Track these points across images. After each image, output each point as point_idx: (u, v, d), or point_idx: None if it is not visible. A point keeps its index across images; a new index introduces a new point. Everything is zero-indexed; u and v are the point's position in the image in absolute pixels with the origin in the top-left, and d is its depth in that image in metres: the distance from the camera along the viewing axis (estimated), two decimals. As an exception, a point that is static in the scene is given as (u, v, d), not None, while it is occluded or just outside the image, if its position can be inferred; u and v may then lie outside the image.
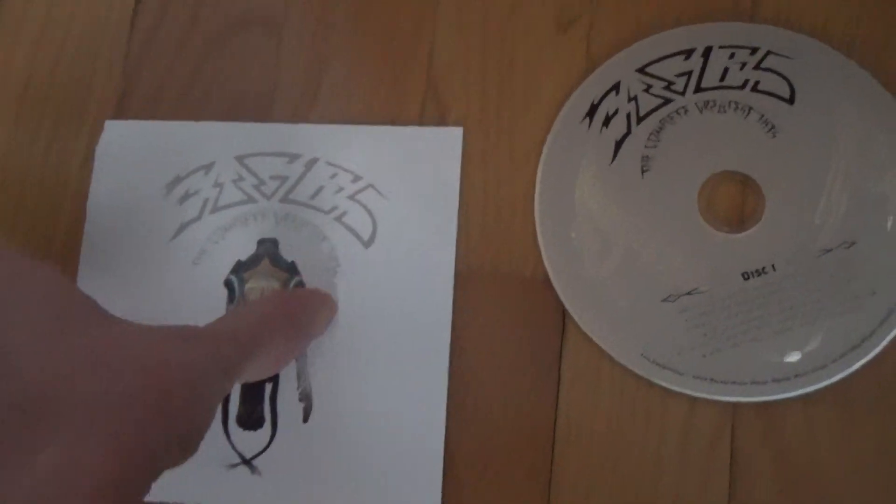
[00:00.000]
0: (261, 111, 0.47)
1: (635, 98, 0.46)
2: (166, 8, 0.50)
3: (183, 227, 0.45)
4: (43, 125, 0.49)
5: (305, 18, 0.49)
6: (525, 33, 0.48)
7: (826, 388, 0.42)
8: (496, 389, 0.44)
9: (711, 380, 0.43)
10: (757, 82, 0.46)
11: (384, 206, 0.45)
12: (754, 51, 0.46)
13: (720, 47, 0.46)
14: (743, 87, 0.46)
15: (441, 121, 0.47)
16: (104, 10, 0.50)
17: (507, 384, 0.44)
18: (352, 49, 0.48)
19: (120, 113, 0.49)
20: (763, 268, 0.44)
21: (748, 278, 0.44)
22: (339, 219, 0.44)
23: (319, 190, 0.45)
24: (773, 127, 0.45)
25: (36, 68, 0.49)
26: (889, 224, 0.43)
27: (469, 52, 0.48)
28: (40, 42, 0.50)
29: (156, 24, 0.49)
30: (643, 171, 0.45)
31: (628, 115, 0.46)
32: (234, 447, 0.43)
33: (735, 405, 0.43)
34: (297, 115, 0.47)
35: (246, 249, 0.45)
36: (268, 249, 0.44)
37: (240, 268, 0.44)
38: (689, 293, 0.44)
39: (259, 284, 0.44)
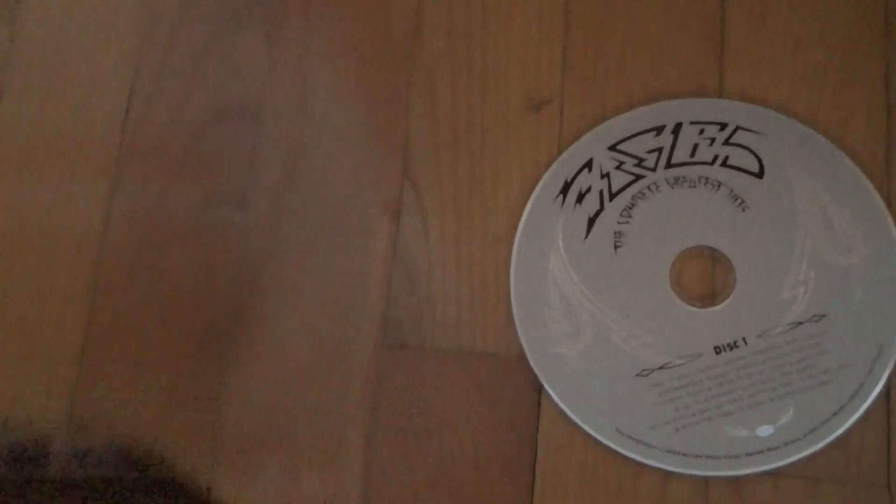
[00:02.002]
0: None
1: (608, 175, 0.47)
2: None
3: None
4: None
5: (285, 108, 0.50)
6: (496, 116, 0.49)
7: (798, 462, 0.43)
8: (471, 466, 0.45)
9: (684, 454, 0.43)
10: (727, 157, 0.47)
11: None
12: (723, 126, 0.47)
13: (690, 123, 0.47)
14: (713, 162, 0.47)
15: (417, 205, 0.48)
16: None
17: (483, 460, 0.45)
18: (330, 140, 0.50)
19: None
20: (735, 342, 0.44)
21: (720, 352, 0.44)
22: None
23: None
24: (742, 202, 0.46)
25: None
26: (857, 296, 0.44)
27: (441, 136, 0.49)
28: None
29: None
30: (616, 247, 0.46)
31: (601, 192, 0.47)
32: None
33: (707, 480, 0.44)
34: (277, 202, 0.49)
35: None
36: None
37: None
38: (661, 367, 0.45)
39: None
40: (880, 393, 0.43)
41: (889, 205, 0.45)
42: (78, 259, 0.49)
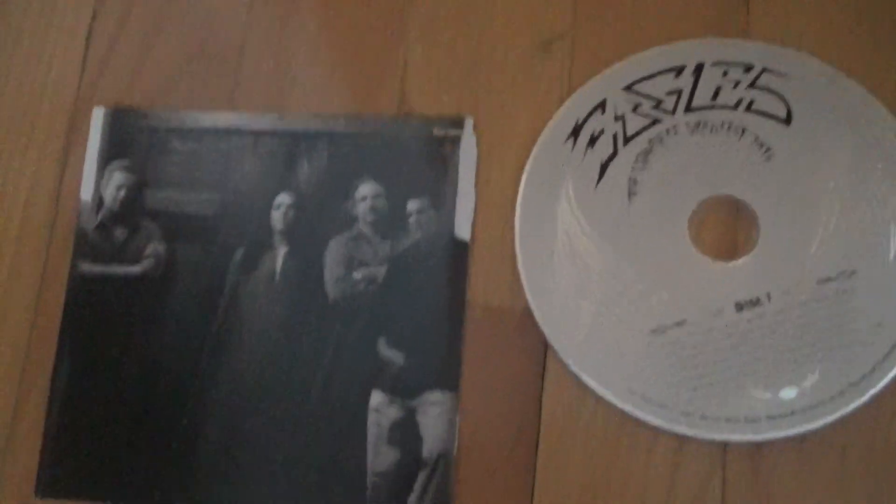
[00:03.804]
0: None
1: (622, 117, 0.44)
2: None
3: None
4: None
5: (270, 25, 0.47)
6: (503, 53, 0.45)
7: (824, 427, 0.39)
8: (474, 427, 0.42)
9: (702, 416, 0.40)
10: (752, 101, 0.43)
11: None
12: (749, 68, 0.44)
13: (712, 64, 0.44)
14: (736, 106, 0.43)
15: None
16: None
17: (484, 423, 0.42)
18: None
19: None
20: (757, 298, 0.41)
21: (741, 309, 0.41)
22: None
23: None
24: (768, 149, 0.43)
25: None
26: (892, 251, 0.41)
27: (442, 76, 0.45)
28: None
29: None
30: (630, 195, 0.43)
31: (615, 136, 0.44)
32: None
33: (726, 445, 0.40)
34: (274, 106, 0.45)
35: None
36: None
37: None
38: (678, 324, 0.41)
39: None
40: (914, 355, 0.40)
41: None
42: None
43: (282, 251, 0.44)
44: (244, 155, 0.46)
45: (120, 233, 0.45)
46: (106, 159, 0.46)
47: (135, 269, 0.45)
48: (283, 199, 0.45)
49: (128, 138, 0.47)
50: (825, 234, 0.41)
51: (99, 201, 0.46)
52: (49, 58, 0.48)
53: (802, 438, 0.40)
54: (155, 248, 0.45)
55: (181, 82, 0.47)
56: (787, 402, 0.40)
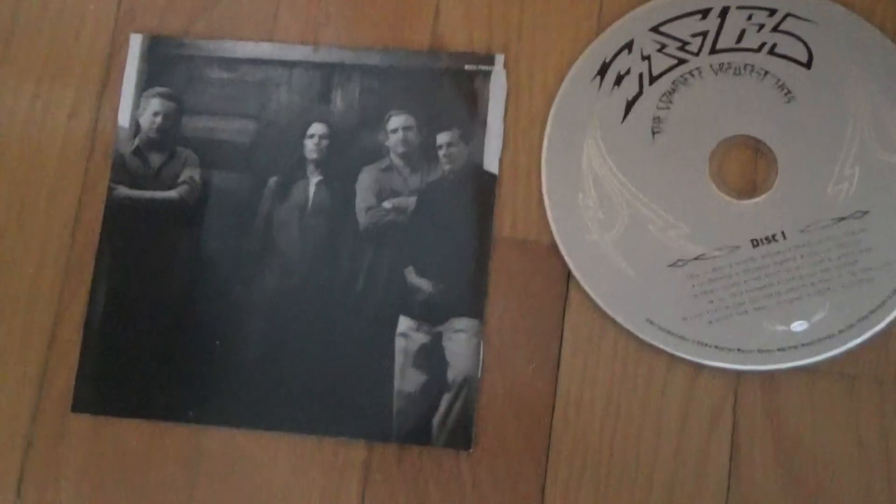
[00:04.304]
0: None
1: (648, 58, 0.45)
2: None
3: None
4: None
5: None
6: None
7: (832, 359, 0.42)
8: (497, 353, 0.43)
9: (716, 347, 0.42)
10: (774, 45, 0.44)
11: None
12: (773, 12, 0.45)
13: (738, 7, 0.45)
14: (759, 49, 0.44)
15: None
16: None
17: (509, 348, 0.43)
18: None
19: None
20: (773, 235, 0.43)
21: (757, 245, 0.43)
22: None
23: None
24: (788, 92, 0.44)
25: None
26: (904, 194, 0.42)
27: (473, 8, 0.46)
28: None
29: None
30: (654, 133, 0.44)
31: (641, 75, 0.45)
32: None
33: (739, 375, 0.42)
34: (309, 38, 0.46)
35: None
36: None
37: None
38: (696, 259, 0.43)
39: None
40: (920, 293, 0.42)
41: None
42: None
43: (314, 180, 0.46)
44: (279, 85, 0.47)
45: (156, 159, 0.47)
46: (143, 86, 0.47)
47: (170, 194, 0.46)
48: (317, 129, 0.46)
49: (165, 66, 0.47)
50: (840, 175, 0.43)
51: (136, 127, 0.47)
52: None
53: (812, 369, 0.42)
54: (190, 174, 0.46)
55: (218, 11, 0.48)
56: (798, 335, 0.42)
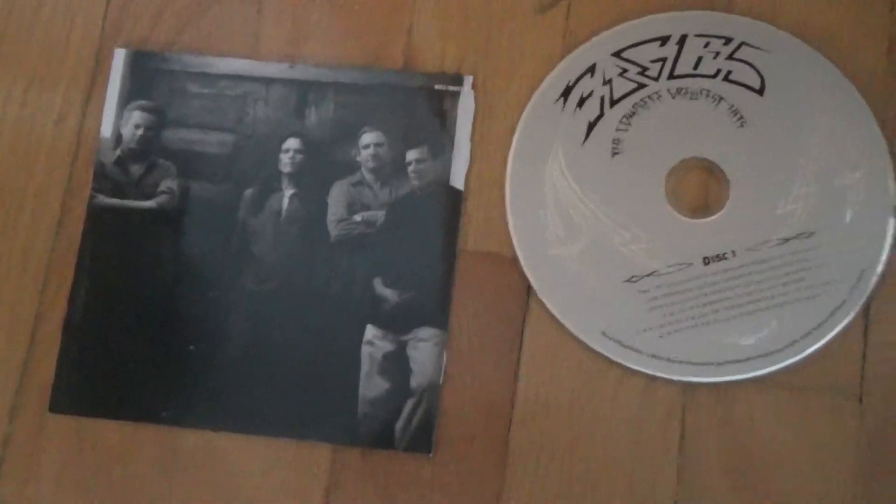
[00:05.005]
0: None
1: (610, 81, 0.47)
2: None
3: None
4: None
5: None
6: (504, 14, 0.48)
7: (778, 371, 0.44)
8: (459, 361, 0.45)
9: (668, 359, 0.44)
10: (729, 72, 0.47)
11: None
12: (728, 41, 0.47)
13: (696, 35, 0.47)
14: (715, 76, 0.47)
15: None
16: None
17: (471, 357, 0.45)
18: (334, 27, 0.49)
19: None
20: (724, 253, 0.45)
21: (709, 263, 0.45)
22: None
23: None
24: (741, 117, 0.46)
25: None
26: (848, 217, 0.45)
27: (447, 29, 0.48)
28: None
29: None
30: (613, 154, 0.46)
31: (602, 98, 0.47)
32: None
33: (690, 386, 0.44)
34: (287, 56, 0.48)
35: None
36: None
37: None
38: (650, 275, 0.45)
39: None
40: (860, 310, 0.44)
41: (885, 131, 0.46)
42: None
43: (288, 192, 0.48)
44: (257, 100, 0.49)
45: (136, 169, 0.48)
46: (126, 99, 0.49)
47: (150, 203, 0.48)
48: (292, 143, 0.48)
49: (148, 80, 0.49)
50: (788, 197, 0.45)
51: (118, 138, 0.49)
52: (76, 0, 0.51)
53: (760, 381, 0.44)
54: (169, 184, 0.48)
55: (203, 27, 0.50)
56: (746, 349, 0.44)
